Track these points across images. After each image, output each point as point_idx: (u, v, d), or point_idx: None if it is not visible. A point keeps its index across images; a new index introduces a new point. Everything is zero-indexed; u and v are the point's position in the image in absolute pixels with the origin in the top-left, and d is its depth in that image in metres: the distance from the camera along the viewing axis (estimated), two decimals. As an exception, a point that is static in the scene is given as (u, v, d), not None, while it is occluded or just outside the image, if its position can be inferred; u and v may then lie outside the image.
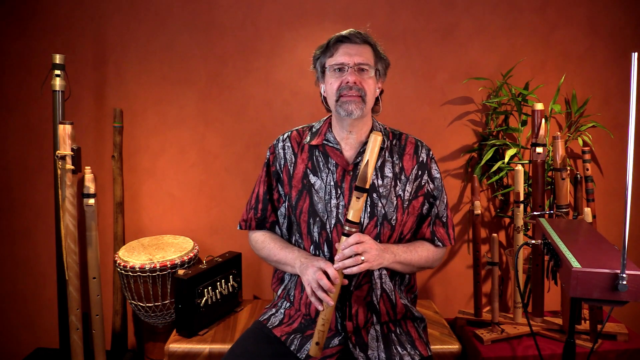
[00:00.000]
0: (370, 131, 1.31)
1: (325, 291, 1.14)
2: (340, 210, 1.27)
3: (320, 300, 1.15)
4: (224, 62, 2.18)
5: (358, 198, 1.13)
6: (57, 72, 1.91)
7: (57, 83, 1.92)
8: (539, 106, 1.74)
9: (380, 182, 1.29)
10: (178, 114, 2.20)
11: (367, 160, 1.12)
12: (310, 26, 2.15)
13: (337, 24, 2.13)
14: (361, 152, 1.30)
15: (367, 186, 1.12)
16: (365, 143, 1.27)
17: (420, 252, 1.32)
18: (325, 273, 1.16)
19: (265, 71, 2.18)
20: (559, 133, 1.72)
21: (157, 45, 2.16)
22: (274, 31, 2.16)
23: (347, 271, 1.14)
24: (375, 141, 1.13)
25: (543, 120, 1.73)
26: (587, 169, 2.00)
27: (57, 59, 1.91)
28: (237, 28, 2.16)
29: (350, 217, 1.14)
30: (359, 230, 1.23)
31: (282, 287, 1.43)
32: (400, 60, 2.18)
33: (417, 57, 2.19)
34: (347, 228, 1.15)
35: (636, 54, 0.91)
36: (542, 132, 1.71)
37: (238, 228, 1.47)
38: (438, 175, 1.36)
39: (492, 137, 2.17)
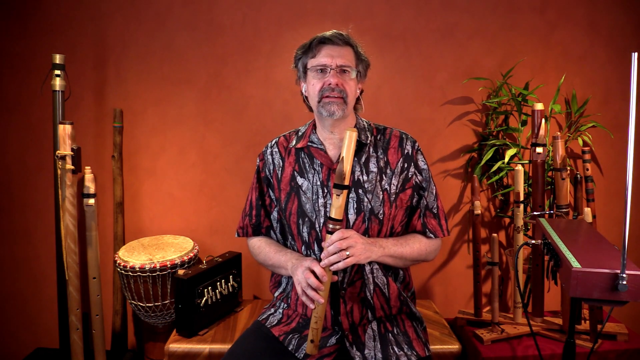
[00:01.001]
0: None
1: (315, 289, 1.16)
2: (328, 209, 1.29)
3: (312, 300, 1.17)
4: (224, 62, 2.18)
5: (338, 195, 1.14)
6: (57, 72, 1.91)
7: (57, 83, 1.92)
8: (539, 106, 1.74)
9: (365, 177, 1.30)
10: (178, 114, 2.20)
11: (343, 157, 1.14)
12: (310, 26, 2.15)
13: (337, 23, 2.12)
14: None
15: (346, 182, 1.14)
16: None
17: (412, 245, 1.32)
18: (314, 272, 1.18)
19: (265, 71, 2.18)
20: (559, 133, 1.72)
21: (157, 45, 2.16)
22: (274, 31, 2.16)
23: (334, 267, 1.16)
24: (350, 138, 1.14)
25: (543, 120, 1.72)
26: (587, 169, 2.00)
27: (57, 59, 1.91)
28: (237, 28, 2.16)
29: (332, 214, 1.16)
30: (345, 227, 1.25)
31: (280, 290, 1.44)
32: (400, 60, 2.18)
33: (417, 57, 2.19)
34: (330, 226, 1.16)
35: (636, 54, 0.91)
36: (542, 132, 1.71)
37: (236, 236, 1.50)
38: (425, 167, 1.36)
39: (492, 137, 2.17)
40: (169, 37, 2.16)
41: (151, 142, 2.22)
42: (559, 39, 2.19)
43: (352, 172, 1.29)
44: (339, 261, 1.15)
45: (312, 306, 1.18)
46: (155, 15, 2.15)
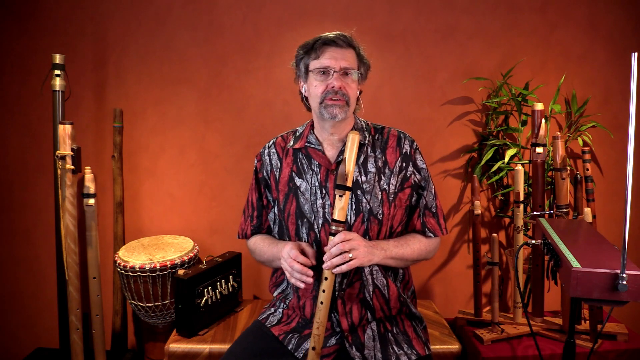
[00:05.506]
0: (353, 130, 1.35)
1: (302, 273, 1.19)
2: (326, 210, 1.28)
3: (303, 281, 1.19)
4: (224, 62, 2.18)
5: (340, 197, 1.15)
6: (57, 72, 1.91)
7: (57, 83, 1.92)
8: (539, 106, 1.74)
9: (363, 178, 1.29)
10: (178, 114, 2.20)
11: (345, 159, 1.15)
12: (310, 26, 2.15)
13: (337, 24, 2.13)
14: (343, 151, 1.30)
15: (348, 184, 1.15)
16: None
17: (413, 245, 1.31)
18: (304, 253, 1.23)
19: (265, 71, 2.18)
20: (559, 133, 1.72)
21: (157, 45, 2.16)
22: (274, 31, 2.16)
23: (337, 270, 1.15)
24: (353, 141, 1.16)
25: (543, 120, 1.73)
26: (587, 169, 2.00)
27: (57, 59, 1.91)
28: (237, 28, 2.16)
29: (335, 216, 1.16)
30: (346, 229, 1.24)
31: (279, 290, 1.44)
32: (400, 60, 2.18)
33: (417, 57, 2.19)
34: (333, 228, 1.16)
35: (636, 54, 0.91)
36: (542, 132, 1.71)
37: (237, 237, 1.50)
38: (424, 166, 1.36)
39: (492, 137, 2.17)
40: (169, 37, 2.16)
41: (151, 142, 2.22)
42: (559, 39, 2.19)
43: None
44: (342, 263, 1.14)
45: (302, 286, 1.20)
46: (155, 15, 2.15)
